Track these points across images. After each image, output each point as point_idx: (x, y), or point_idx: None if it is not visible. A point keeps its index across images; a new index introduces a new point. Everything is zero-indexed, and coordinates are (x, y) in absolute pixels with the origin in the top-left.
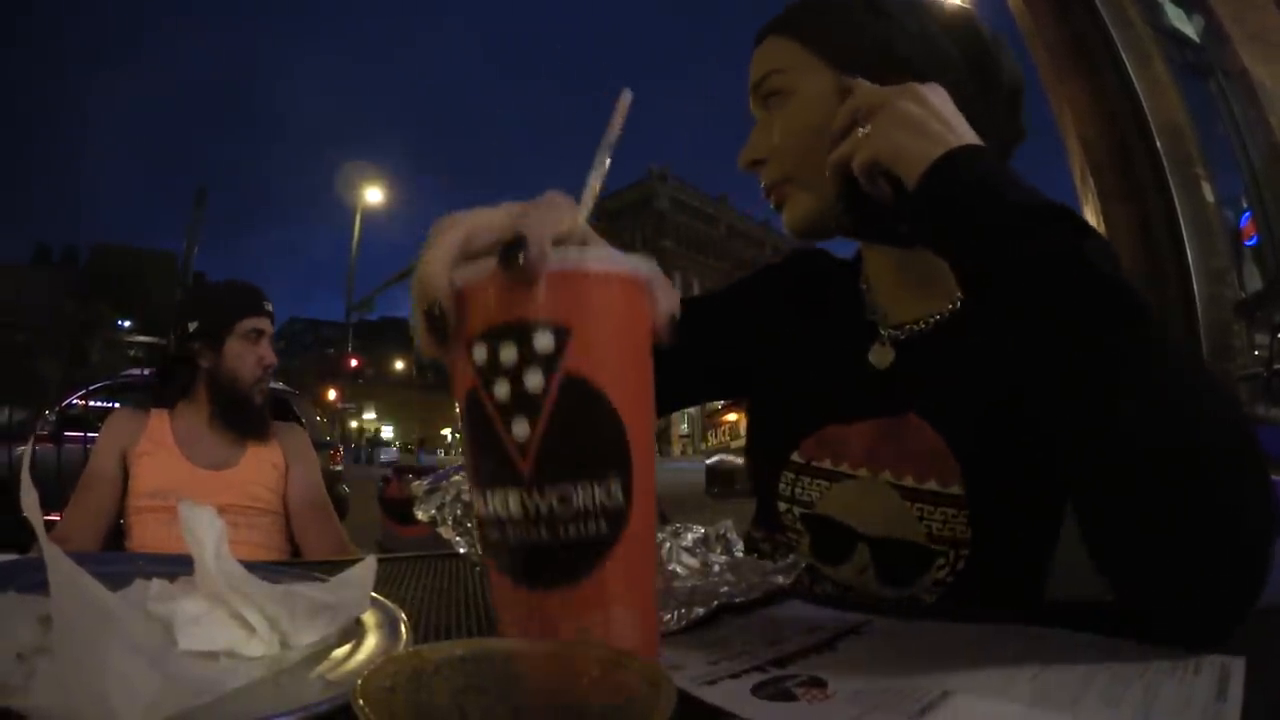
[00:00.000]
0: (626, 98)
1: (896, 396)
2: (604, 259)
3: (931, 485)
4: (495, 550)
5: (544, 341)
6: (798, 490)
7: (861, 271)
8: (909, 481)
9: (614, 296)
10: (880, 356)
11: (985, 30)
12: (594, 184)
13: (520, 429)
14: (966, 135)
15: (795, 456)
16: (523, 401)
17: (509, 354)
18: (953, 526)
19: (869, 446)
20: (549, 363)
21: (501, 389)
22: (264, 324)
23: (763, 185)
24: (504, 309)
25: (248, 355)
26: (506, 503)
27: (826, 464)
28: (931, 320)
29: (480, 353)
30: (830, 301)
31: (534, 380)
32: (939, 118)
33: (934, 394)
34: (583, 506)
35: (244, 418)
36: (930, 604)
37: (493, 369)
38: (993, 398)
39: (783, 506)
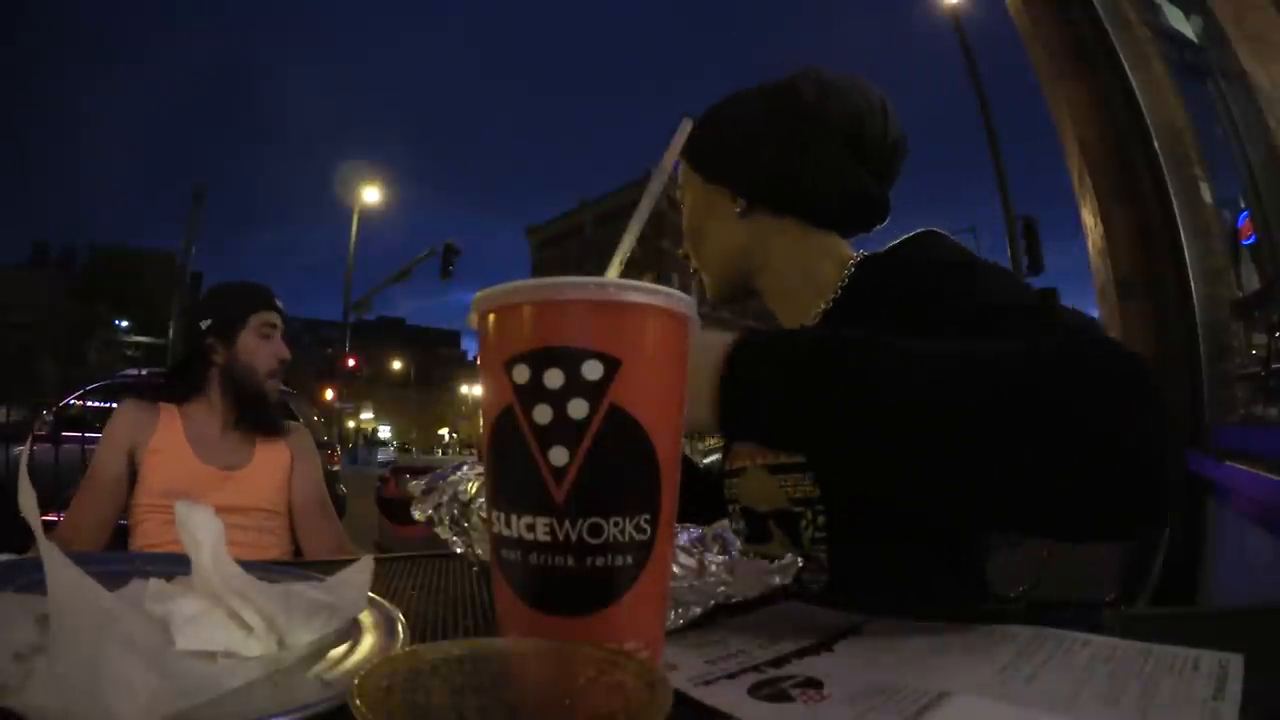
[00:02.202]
0: (686, 126)
1: None
2: (656, 294)
3: (782, 459)
4: (510, 569)
5: (593, 370)
6: (732, 492)
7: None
8: (769, 460)
9: (663, 332)
10: None
11: (865, 102)
12: (647, 202)
13: (559, 455)
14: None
15: (728, 465)
16: (564, 428)
17: (554, 379)
18: (803, 488)
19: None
20: (596, 392)
21: (542, 413)
22: (275, 319)
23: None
24: (553, 332)
25: (261, 349)
26: (534, 527)
27: (737, 464)
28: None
29: (521, 374)
30: None
31: (579, 408)
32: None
33: None
34: (612, 538)
35: (258, 416)
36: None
37: (534, 392)
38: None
39: (730, 509)
